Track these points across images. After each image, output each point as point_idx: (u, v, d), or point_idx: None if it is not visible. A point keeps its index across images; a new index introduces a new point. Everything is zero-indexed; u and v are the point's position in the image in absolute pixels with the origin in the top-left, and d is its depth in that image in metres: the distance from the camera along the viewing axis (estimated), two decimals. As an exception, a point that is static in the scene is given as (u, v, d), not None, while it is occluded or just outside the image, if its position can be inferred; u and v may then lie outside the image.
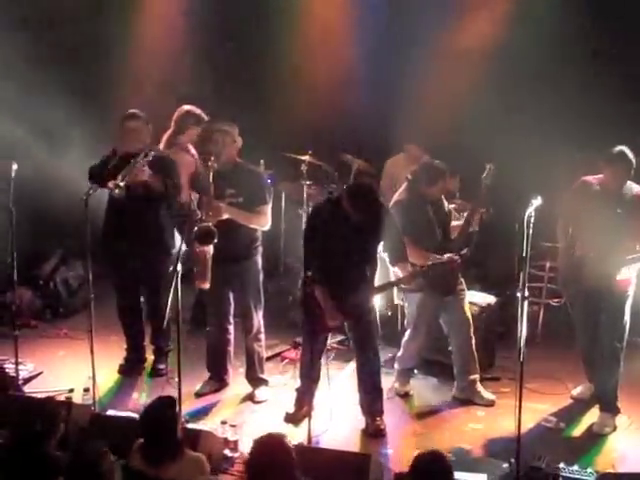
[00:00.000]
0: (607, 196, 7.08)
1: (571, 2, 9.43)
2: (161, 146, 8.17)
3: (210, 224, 7.19)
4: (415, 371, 7.98)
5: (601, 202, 7.08)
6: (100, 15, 10.13)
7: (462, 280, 7.58)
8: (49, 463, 5.23)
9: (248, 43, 10.62)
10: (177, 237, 7.87)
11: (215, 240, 7.20)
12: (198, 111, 8.37)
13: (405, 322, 7.86)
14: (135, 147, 7.56)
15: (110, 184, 7.37)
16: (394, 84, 10.16)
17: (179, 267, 6.42)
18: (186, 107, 8.41)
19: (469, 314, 7.61)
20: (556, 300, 8.95)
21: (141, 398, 7.67)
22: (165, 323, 6.90)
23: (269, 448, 4.89)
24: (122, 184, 7.34)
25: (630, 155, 7.00)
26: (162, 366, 8.12)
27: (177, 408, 5.62)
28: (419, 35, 9.81)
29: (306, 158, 9.49)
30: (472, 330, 7.59)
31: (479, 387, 7.68)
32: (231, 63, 10.62)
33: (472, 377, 7.65)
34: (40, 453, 5.27)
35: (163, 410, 5.50)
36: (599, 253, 7.05)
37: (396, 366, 7.86)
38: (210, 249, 7.26)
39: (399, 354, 7.84)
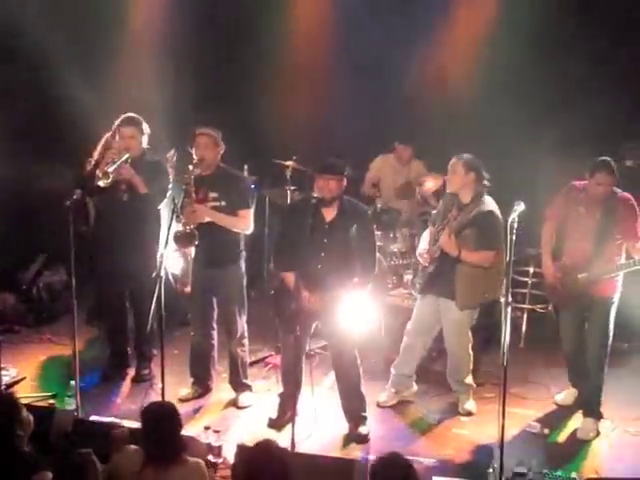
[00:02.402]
0: (592, 203, 7.10)
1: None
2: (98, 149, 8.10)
3: (191, 227, 7.20)
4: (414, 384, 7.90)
5: (586, 208, 7.12)
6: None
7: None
8: (19, 458, 5.18)
9: (233, 47, 10.62)
10: (161, 242, 7.86)
11: (196, 242, 7.21)
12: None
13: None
14: (129, 152, 7.57)
15: (98, 172, 7.39)
16: (383, 88, 10.19)
17: (162, 272, 6.42)
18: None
19: (461, 320, 7.43)
20: (541, 306, 8.98)
21: (124, 403, 7.65)
22: (149, 328, 6.87)
23: (267, 455, 4.87)
24: (111, 170, 7.35)
25: (613, 166, 7.01)
26: (146, 371, 8.09)
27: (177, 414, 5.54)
28: (410, 36, 9.84)
29: (290, 164, 9.49)
30: (463, 338, 7.52)
31: (468, 395, 7.66)
32: (216, 66, 10.60)
33: (466, 381, 7.62)
34: (6, 447, 5.23)
35: (164, 412, 5.45)
36: (584, 261, 7.08)
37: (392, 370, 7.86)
38: (191, 252, 7.27)
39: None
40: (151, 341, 7.88)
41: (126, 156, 7.52)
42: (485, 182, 7.30)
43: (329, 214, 6.88)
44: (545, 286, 7.72)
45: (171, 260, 7.25)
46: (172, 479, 5.15)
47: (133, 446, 5.35)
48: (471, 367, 7.64)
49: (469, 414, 7.58)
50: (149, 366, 8.10)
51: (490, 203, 7.29)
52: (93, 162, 7.66)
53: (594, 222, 7.07)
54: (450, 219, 7.24)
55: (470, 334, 7.54)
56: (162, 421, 5.27)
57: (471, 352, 7.59)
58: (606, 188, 7.03)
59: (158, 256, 7.40)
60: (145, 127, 7.79)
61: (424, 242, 7.58)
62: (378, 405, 7.72)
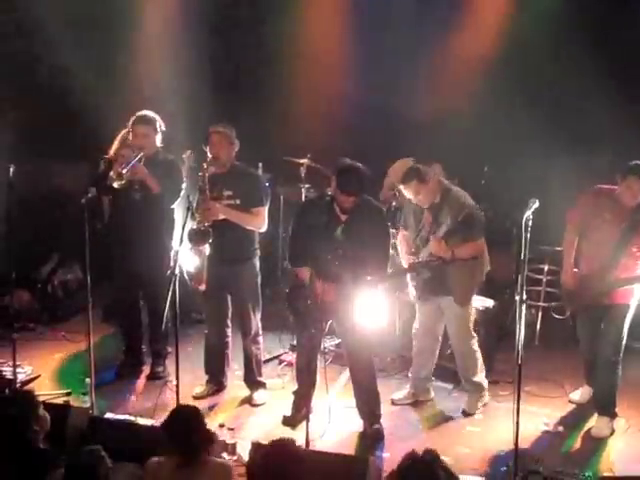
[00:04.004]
0: (618, 213, 7.02)
1: (573, 5, 9.47)
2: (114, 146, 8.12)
3: (205, 224, 7.21)
4: (432, 384, 7.89)
5: (611, 219, 7.05)
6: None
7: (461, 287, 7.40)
8: (36, 454, 5.20)
9: (248, 47, 10.63)
10: (175, 239, 7.87)
11: (210, 240, 7.22)
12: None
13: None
14: (143, 151, 7.58)
15: (111, 173, 7.40)
16: (395, 88, 10.18)
17: (177, 269, 6.44)
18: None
19: (462, 315, 7.42)
20: (556, 304, 8.94)
21: (139, 401, 7.66)
22: (163, 326, 6.88)
23: (281, 454, 4.87)
24: (125, 171, 7.37)
25: None
26: (160, 369, 8.11)
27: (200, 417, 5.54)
28: (419, 41, 9.84)
29: (304, 161, 9.49)
30: (465, 334, 7.50)
31: (477, 395, 7.62)
32: (231, 65, 10.62)
33: (474, 379, 7.60)
34: (24, 443, 5.24)
35: (188, 414, 5.47)
36: (601, 270, 7.05)
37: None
38: (206, 249, 7.28)
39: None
40: (166, 339, 7.90)
41: (140, 155, 7.54)
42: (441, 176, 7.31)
43: (344, 212, 6.87)
44: (562, 292, 7.68)
45: (186, 258, 7.25)
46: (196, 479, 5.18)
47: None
48: (481, 364, 7.59)
49: (467, 414, 7.57)
50: (164, 364, 8.12)
51: (462, 196, 7.26)
52: (108, 159, 7.66)
53: (618, 230, 6.99)
54: (425, 224, 7.29)
55: (473, 331, 7.52)
56: (182, 423, 5.29)
57: (477, 349, 7.54)
58: (636, 193, 6.98)
59: (172, 254, 7.44)
60: (159, 125, 7.79)
61: (403, 247, 7.60)
62: (392, 402, 7.72)
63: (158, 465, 5.26)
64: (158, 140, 7.80)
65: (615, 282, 7.03)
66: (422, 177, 7.13)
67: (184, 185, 7.80)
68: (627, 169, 6.96)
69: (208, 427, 5.42)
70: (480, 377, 7.60)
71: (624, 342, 7.20)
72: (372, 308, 6.80)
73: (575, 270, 7.31)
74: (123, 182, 7.44)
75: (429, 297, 7.47)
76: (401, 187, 7.30)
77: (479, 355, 7.57)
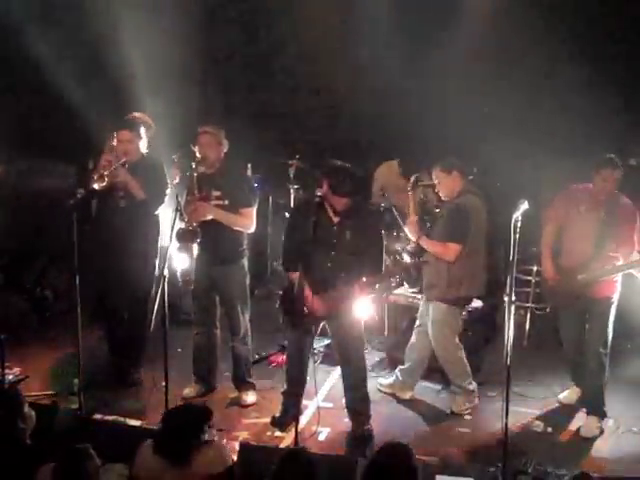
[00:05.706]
0: (594, 204, 7.11)
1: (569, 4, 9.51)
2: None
3: (193, 224, 7.21)
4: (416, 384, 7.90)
5: (587, 210, 7.13)
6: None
7: (435, 286, 7.46)
8: (22, 450, 5.21)
9: (239, 46, 10.63)
10: (159, 243, 7.86)
11: (198, 240, 7.22)
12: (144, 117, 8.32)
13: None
14: (127, 156, 7.57)
15: (94, 174, 7.39)
16: (389, 90, 10.19)
17: (165, 272, 6.43)
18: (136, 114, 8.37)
19: (441, 320, 7.45)
20: (540, 306, 8.96)
21: (127, 402, 7.64)
22: (152, 327, 6.85)
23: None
24: (106, 173, 7.36)
25: (619, 163, 7.02)
26: (137, 375, 8.01)
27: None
28: (414, 42, 9.87)
29: (293, 162, 9.49)
30: (444, 340, 7.51)
31: (464, 397, 7.61)
32: (221, 65, 10.61)
33: (462, 385, 7.60)
34: (10, 439, 5.24)
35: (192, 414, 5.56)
36: (583, 262, 7.08)
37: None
38: (193, 249, 7.28)
39: None
40: (145, 342, 7.88)
41: (123, 160, 7.52)
42: (470, 177, 7.38)
43: (337, 214, 6.85)
44: (544, 288, 7.72)
45: (175, 258, 7.25)
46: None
47: None
48: (467, 371, 7.59)
49: (455, 414, 7.58)
50: (139, 370, 8.04)
51: (466, 199, 7.35)
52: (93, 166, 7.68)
53: (597, 221, 7.07)
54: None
55: (457, 340, 7.53)
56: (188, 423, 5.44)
57: (461, 356, 7.55)
58: (612, 185, 7.05)
59: (162, 254, 7.42)
60: (143, 131, 7.79)
61: None
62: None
63: (144, 449, 5.33)
64: (143, 145, 7.77)
65: (599, 272, 7.05)
66: (447, 167, 7.37)
67: (168, 190, 7.78)
68: (601, 163, 7.06)
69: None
70: (467, 381, 7.60)
71: (611, 336, 7.22)
72: (364, 310, 6.83)
73: (556, 264, 7.36)
74: (104, 184, 7.41)
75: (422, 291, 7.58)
76: (436, 173, 7.42)
77: (464, 362, 7.58)
